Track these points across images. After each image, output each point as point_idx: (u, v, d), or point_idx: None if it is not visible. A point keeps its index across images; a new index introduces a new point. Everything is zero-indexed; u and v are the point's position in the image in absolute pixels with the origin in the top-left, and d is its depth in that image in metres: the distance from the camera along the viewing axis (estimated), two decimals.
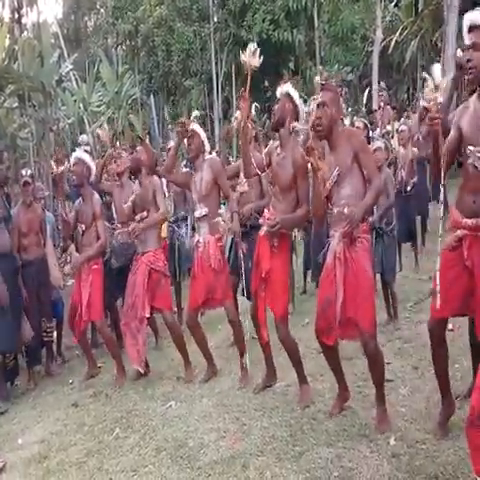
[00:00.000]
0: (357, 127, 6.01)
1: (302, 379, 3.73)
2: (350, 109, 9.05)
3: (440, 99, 2.78)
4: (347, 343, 4.12)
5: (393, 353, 4.14)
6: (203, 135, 4.27)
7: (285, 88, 3.67)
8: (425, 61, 19.01)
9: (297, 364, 3.71)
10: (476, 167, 2.65)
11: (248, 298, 4.58)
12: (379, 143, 5.15)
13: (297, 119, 3.62)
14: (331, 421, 3.35)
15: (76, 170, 4.89)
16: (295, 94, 3.64)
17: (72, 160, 4.98)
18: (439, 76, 2.75)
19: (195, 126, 4.26)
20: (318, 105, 3.20)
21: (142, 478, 3.15)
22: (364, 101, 10.21)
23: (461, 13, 14.11)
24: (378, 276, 5.08)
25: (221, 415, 3.68)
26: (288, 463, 3.01)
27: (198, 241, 4.20)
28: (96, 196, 4.92)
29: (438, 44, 17.22)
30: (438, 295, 2.76)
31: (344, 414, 3.41)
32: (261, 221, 3.77)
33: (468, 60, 2.61)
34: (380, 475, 2.77)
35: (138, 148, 4.72)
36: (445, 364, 3.00)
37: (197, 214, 4.20)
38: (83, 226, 4.84)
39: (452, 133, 2.79)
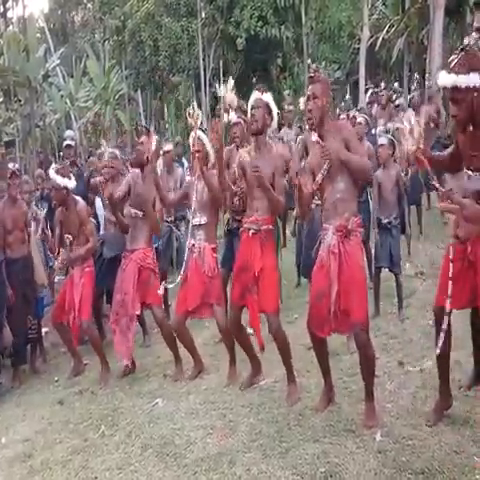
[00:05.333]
0: (359, 123, 6.03)
1: (291, 376, 3.72)
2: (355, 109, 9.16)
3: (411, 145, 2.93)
4: (333, 339, 4.13)
5: (379, 349, 4.14)
6: (209, 146, 4.14)
7: (265, 98, 3.74)
8: (412, 59, 19.13)
9: (287, 359, 3.71)
10: None
11: None
12: (383, 139, 5.16)
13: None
14: (317, 417, 3.35)
15: (56, 195, 4.71)
16: (274, 105, 3.75)
17: (50, 183, 4.77)
18: (411, 122, 2.88)
19: (202, 135, 4.17)
20: (308, 97, 3.20)
21: (128, 476, 3.12)
22: (366, 100, 10.30)
23: (447, 11, 14.21)
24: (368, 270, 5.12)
25: (208, 412, 3.67)
26: (275, 459, 3.01)
27: (193, 245, 4.16)
28: (80, 203, 4.77)
29: (424, 42, 17.33)
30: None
31: (330, 410, 3.41)
32: (246, 224, 3.76)
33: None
34: (366, 471, 2.78)
35: (142, 139, 4.51)
36: (447, 353, 3.03)
37: (195, 222, 4.16)
38: (70, 237, 4.70)
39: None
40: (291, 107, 8.89)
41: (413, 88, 9.96)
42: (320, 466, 2.86)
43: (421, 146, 2.86)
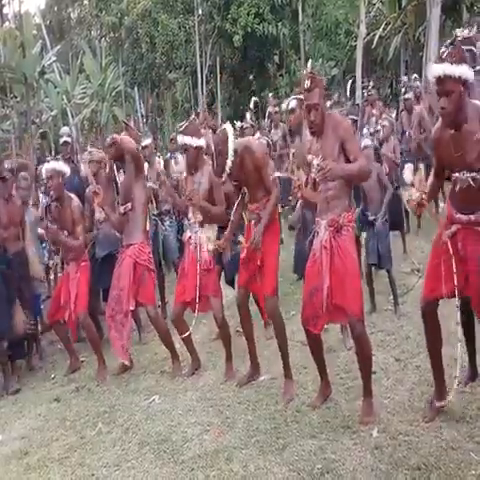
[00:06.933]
0: None
1: (286, 371, 3.73)
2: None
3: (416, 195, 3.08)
4: (330, 335, 4.15)
5: (376, 345, 4.14)
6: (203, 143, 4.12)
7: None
8: (408, 56, 19.14)
9: (283, 346, 3.71)
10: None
11: (231, 284, 4.80)
12: (368, 141, 5.22)
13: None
14: (314, 413, 3.35)
15: (53, 184, 4.67)
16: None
17: (45, 173, 4.74)
18: (409, 177, 2.94)
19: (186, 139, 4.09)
20: (310, 109, 3.20)
21: (125, 473, 3.12)
22: (348, 92, 10.32)
23: (444, 9, 14.22)
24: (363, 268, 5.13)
25: (205, 409, 3.67)
26: (272, 456, 3.01)
27: (190, 237, 4.19)
28: (74, 202, 4.77)
29: (421, 39, 17.35)
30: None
31: (327, 406, 3.42)
32: (248, 214, 3.84)
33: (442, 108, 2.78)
34: (363, 467, 2.79)
35: (121, 135, 4.51)
36: (438, 346, 3.09)
37: (192, 219, 4.17)
38: (66, 232, 4.73)
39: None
40: (276, 109, 8.95)
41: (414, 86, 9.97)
42: (317, 462, 2.87)
43: (424, 196, 2.93)
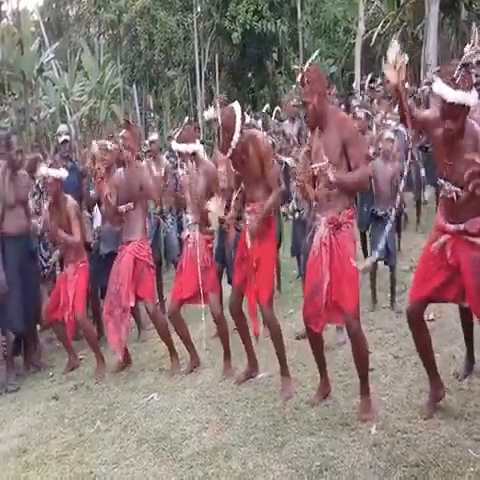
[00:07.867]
0: (359, 118, 6.02)
1: (284, 369, 3.73)
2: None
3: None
4: (328, 333, 4.15)
5: (374, 343, 4.16)
6: (200, 149, 4.13)
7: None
8: (407, 54, 19.08)
9: (280, 350, 3.71)
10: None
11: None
12: (389, 133, 5.19)
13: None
14: (313, 410, 3.36)
15: (52, 190, 4.65)
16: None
17: (46, 179, 4.70)
18: (393, 55, 2.85)
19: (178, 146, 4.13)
20: (302, 104, 3.18)
21: (123, 471, 3.12)
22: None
23: (442, 6, 14.22)
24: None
25: (203, 406, 3.67)
26: (270, 453, 3.01)
27: (188, 236, 4.20)
28: (70, 201, 4.73)
29: (419, 37, 17.33)
30: None
31: (326, 403, 3.42)
32: (245, 214, 3.80)
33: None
34: (361, 464, 2.79)
35: (124, 134, 4.43)
36: (427, 346, 3.11)
37: (191, 219, 4.19)
38: (63, 231, 4.70)
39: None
40: (295, 101, 8.80)
41: (425, 81, 9.92)
42: (315, 459, 2.87)
43: (403, 78, 2.85)
